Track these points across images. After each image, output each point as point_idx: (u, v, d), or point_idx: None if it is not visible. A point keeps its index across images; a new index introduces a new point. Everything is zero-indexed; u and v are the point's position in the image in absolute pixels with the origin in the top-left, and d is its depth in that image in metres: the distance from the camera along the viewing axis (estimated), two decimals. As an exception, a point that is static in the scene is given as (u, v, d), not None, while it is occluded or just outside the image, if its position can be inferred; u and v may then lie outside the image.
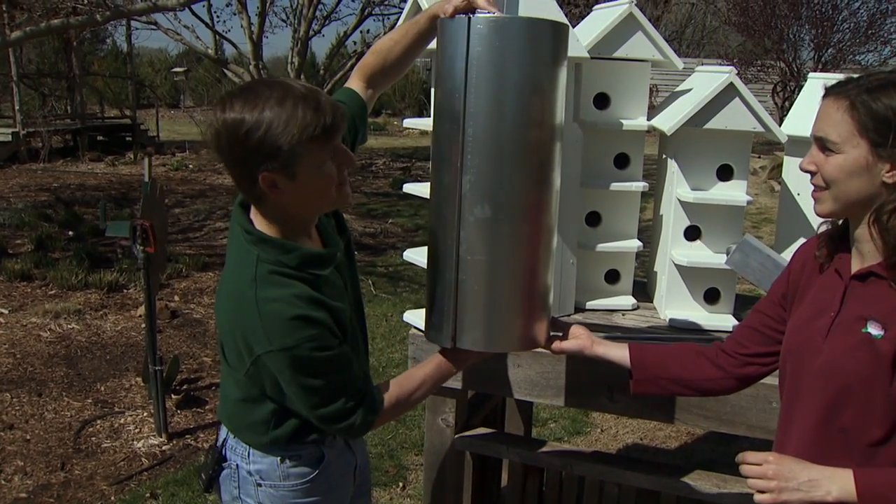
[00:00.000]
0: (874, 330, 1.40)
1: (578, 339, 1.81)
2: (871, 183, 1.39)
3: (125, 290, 6.50)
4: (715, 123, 2.30)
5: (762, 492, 1.43)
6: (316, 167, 1.51)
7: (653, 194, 2.71)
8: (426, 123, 2.30)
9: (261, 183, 1.50)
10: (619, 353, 1.79)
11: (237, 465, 1.77)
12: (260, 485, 1.75)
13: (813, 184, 1.48)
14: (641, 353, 1.78)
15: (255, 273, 1.56)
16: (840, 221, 1.53)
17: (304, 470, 1.75)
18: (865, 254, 1.45)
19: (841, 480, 1.40)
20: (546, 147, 1.67)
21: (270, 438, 1.71)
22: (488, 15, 1.64)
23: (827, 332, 1.47)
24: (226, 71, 12.16)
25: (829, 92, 1.45)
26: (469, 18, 1.58)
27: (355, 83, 1.90)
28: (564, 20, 2.22)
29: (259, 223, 1.61)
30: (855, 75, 1.46)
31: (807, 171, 1.48)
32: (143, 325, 4.36)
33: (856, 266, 1.48)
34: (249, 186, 1.53)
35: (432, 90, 2.38)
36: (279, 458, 1.73)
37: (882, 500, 1.36)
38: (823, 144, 1.43)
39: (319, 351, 1.56)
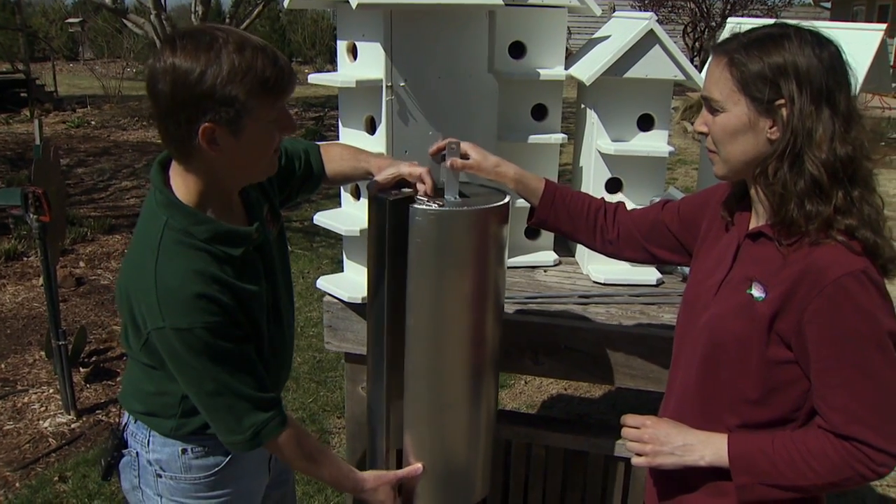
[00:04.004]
0: (756, 292, 1.38)
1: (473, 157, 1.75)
2: (757, 141, 1.35)
3: (25, 258, 6.15)
4: (635, 72, 2.22)
5: (640, 455, 1.49)
6: (262, 126, 1.38)
7: (570, 142, 2.63)
8: (333, 79, 2.16)
9: (200, 136, 1.34)
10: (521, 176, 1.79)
11: (137, 452, 1.64)
12: (160, 475, 1.63)
13: (707, 147, 1.46)
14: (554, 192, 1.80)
15: (159, 240, 1.42)
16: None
17: (209, 462, 1.63)
18: (760, 214, 1.44)
19: (714, 446, 1.43)
20: (485, 326, 1.72)
21: (175, 425, 1.58)
22: (425, 207, 1.60)
23: (717, 290, 1.47)
24: (125, 21, 11.49)
25: (714, 49, 1.41)
26: (387, 202, 1.57)
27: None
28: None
29: (177, 185, 1.46)
30: (750, 25, 1.42)
31: (700, 133, 1.45)
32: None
33: (752, 226, 1.46)
34: (184, 139, 1.36)
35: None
36: (180, 449, 1.61)
37: (753, 466, 1.38)
38: (709, 104, 1.40)
39: (216, 338, 1.42)
